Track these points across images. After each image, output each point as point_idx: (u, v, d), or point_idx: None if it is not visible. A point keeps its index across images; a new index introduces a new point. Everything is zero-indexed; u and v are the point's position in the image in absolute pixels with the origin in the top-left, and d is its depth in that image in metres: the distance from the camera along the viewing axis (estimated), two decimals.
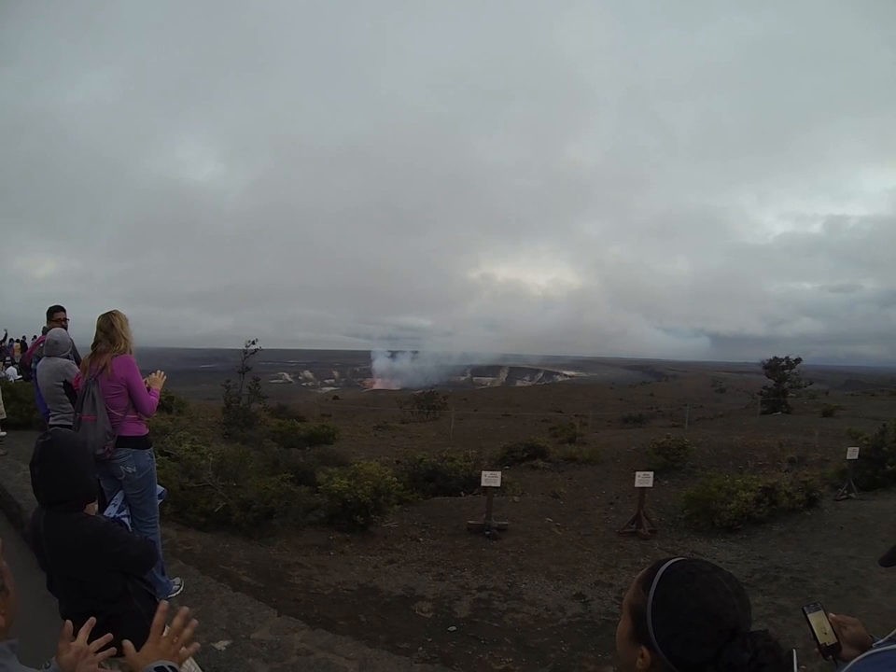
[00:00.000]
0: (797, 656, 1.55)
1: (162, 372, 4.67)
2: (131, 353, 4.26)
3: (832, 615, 1.71)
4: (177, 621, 1.68)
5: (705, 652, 1.05)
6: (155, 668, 1.54)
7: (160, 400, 4.58)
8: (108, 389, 4.14)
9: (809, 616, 1.71)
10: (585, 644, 4.88)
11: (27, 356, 7.75)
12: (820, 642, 1.66)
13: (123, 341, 4.20)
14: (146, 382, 4.46)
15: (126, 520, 3.31)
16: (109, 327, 4.19)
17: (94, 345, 4.23)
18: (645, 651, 1.12)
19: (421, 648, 4.55)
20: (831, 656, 1.66)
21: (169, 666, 1.56)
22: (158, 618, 1.66)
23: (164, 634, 1.66)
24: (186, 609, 1.74)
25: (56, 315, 6.27)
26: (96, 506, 2.59)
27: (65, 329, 5.92)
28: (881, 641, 1.46)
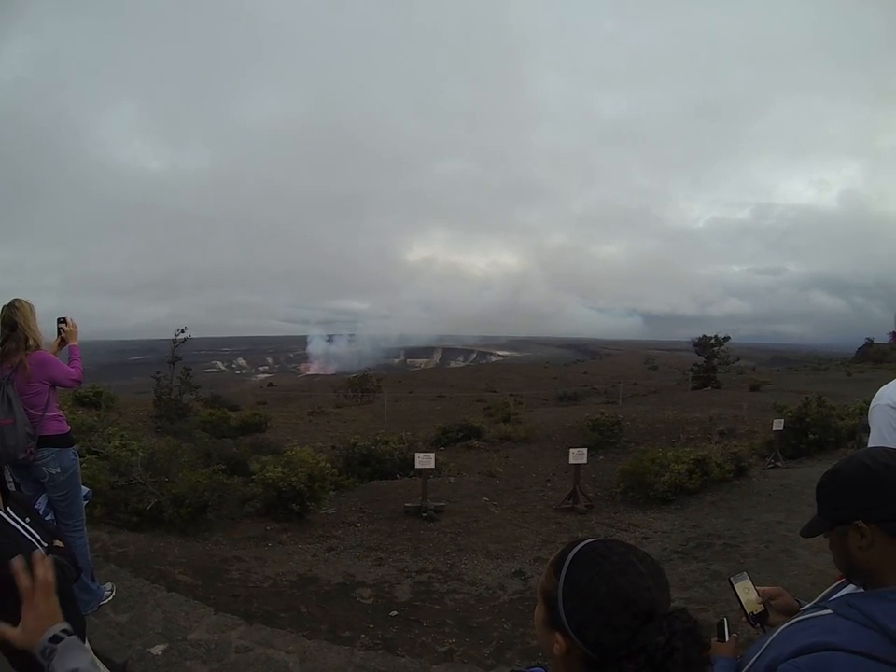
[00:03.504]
0: (729, 623, 1.59)
1: (69, 318, 4.31)
2: (41, 346, 4.03)
3: (758, 589, 1.73)
4: (39, 570, 1.41)
5: (619, 637, 1.02)
6: (49, 640, 1.36)
7: (81, 362, 4.31)
8: (25, 390, 3.93)
9: (735, 586, 1.73)
10: (527, 621, 4.94)
11: None
12: (748, 611, 1.69)
13: (31, 337, 3.96)
14: (59, 337, 4.25)
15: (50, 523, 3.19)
16: (14, 323, 3.93)
17: (3, 343, 3.98)
18: (559, 636, 1.08)
19: (363, 635, 4.54)
20: (758, 624, 1.68)
21: (62, 631, 1.38)
22: (23, 580, 1.38)
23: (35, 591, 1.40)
24: (38, 552, 1.52)
25: None
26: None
27: None
28: (808, 606, 1.50)
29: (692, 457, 9.23)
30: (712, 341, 30.83)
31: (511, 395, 32.16)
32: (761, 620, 1.69)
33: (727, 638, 1.56)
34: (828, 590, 1.53)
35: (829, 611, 1.29)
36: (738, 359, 34.72)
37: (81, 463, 4.51)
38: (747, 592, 1.72)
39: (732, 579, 1.76)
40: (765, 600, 1.71)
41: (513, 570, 6.31)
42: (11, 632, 1.38)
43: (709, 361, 30.37)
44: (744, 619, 1.72)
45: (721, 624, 1.60)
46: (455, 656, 4.32)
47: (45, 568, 1.42)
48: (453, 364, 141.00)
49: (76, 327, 4.35)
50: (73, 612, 2.51)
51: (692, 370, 31.25)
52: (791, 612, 1.61)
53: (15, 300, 4.03)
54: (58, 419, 4.15)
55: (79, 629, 2.49)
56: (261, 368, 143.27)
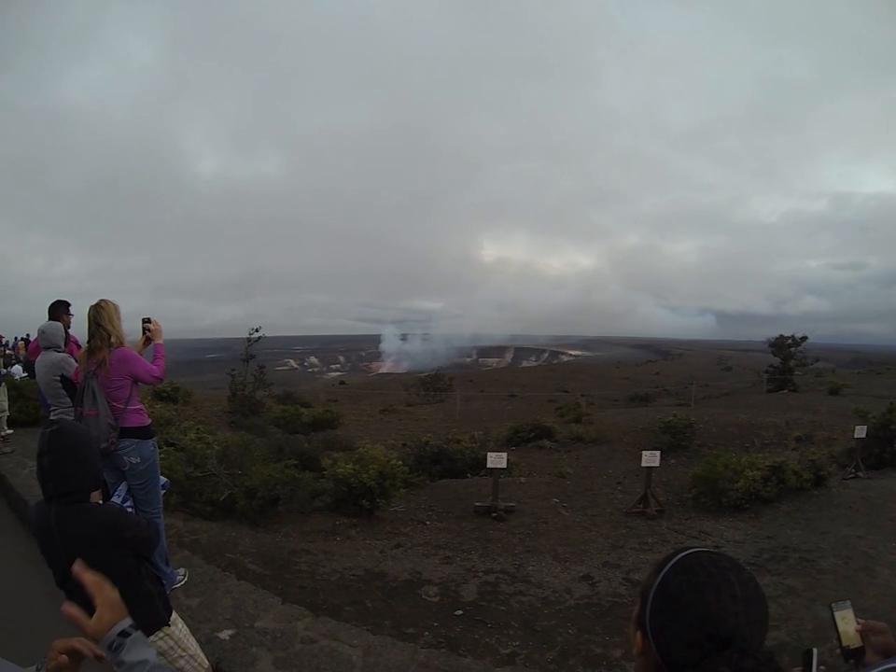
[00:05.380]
0: (818, 655, 1.45)
1: (153, 318, 4.54)
2: (123, 344, 4.21)
3: (860, 620, 1.56)
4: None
5: (688, 654, 0.96)
6: (119, 634, 1.47)
7: (164, 360, 4.49)
8: (108, 384, 4.12)
9: (835, 614, 1.57)
10: (592, 627, 4.85)
11: (31, 353, 7.69)
12: (844, 644, 1.53)
13: (114, 335, 4.15)
14: (145, 336, 4.45)
15: (130, 510, 3.32)
16: (98, 322, 4.13)
17: (89, 339, 4.20)
18: (639, 636, 1.06)
19: (427, 633, 4.53)
20: (852, 660, 1.52)
21: (130, 626, 1.49)
22: (88, 576, 1.53)
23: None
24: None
25: (57, 313, 6.11)
26: (100, 495, 2.61)
27: (68, 325, 5.87)
28: None
29: (767, 464, 8.74)
30: (789, 341, 29.44)
31: (582, 395, 31.71)
32: (856, 656, 1.53)
33: (813, 671, 1.44)
34: None
35: None
36: (816, 361, 32.95)
37: (160, 454, 4.69)
38: (846, 622, 1.56)
39: (833, 605, 1.60)
40: (864, 632, 1.54)
41: (581, 574, 6.17)
42: (85, 620, 1.47)
43: (786, 363, 28.99)
44: (838, 651, 1.55)
45: (808, 654, 1.44)
46: (518, 659, 4.25)
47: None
48: (525, 364, 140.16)
49: (159, 326, 4.55)
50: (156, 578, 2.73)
51: (767, 371, 29.92)
52: (888, 654, 1.46)
53: (101, 300, 4.25)
54: (139, 412, 4.34)
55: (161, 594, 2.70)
56: (333, 366, 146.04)
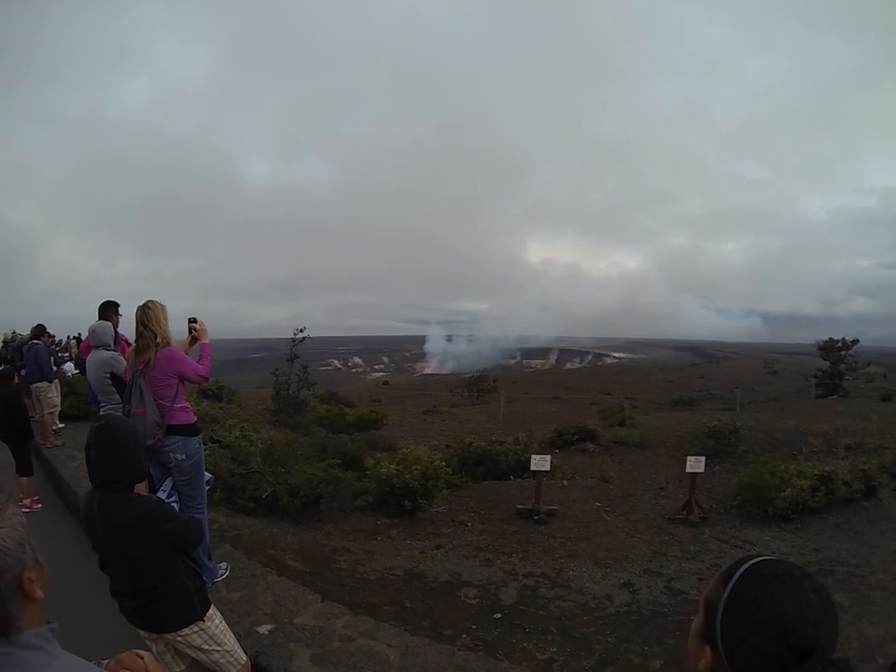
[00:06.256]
0: None
1: (199, 318, 4.58)
2: (170, 344, 4.29)
3: None
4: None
5: (767, 668, 0.93)
6: None
7: (210, 359, 4.55)
8: (155, 383, 4.21)
9: None
10: (632, 635, 4.77)
11: (82, 351, 7.95)
12: None
13: (160, 334, 4.23)
14: (191, 336, 4.53)
15: (175, 506, 3.40)
16: (145, 322, 4.22)
17: (136, 339, 4.29)
18: (708, 651, 1.02)
19: (465, 635, 4.51)
20: None
21: None
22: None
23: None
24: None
25: (107, 313, 6.28)
26: (146, 487, 2.71)
27: (117, 325, 6.03)
28: None
29: (815, 473, 8.44)
30: (839, 344, 28.27)
31: (626, 398, 31.25)
32: None
33: None
34: None
35: None
36: (868, 365, 31.48)
37: (205, 451, 4.78)
38: None
39: None
40: None
41: (622, 581, 6.08)
42: None
43: (835, 367, 27.82)
44: None
45: None
46: (555, 666, 4.20)
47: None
48: (569, 365, 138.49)
49: (205, 326, 4.63)
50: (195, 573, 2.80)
51: (815, 375, 28.80)
52: None
53: (148, 301, 4.34)
54: (185, 410, 4.42)
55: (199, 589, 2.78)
56: (377, 366, 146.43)
